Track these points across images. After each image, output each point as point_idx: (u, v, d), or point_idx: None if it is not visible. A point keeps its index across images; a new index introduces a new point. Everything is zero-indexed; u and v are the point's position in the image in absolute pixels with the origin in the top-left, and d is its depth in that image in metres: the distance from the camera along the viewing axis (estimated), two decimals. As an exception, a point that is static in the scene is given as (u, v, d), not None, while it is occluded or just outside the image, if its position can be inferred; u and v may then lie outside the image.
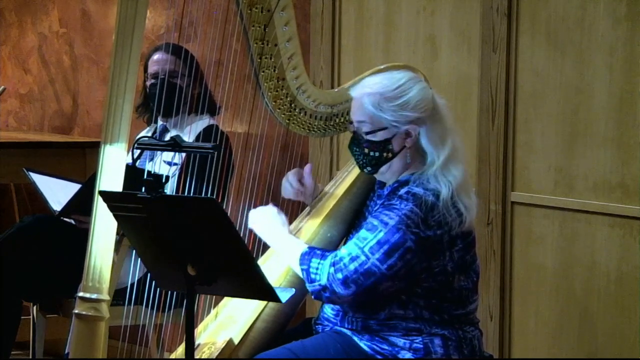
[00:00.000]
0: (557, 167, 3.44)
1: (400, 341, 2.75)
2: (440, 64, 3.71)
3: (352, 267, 2.67)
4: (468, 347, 2.79)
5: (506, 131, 3.53)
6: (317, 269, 2.71)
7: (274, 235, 2.88)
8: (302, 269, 2.75)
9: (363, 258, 2.67)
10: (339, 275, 2.67)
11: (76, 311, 2.99)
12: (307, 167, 3.12)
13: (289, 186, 3.10)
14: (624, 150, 3.28)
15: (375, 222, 2.71)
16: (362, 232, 2.72)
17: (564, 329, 3.46)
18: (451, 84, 3.67)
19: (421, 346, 2.74)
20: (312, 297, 2.75)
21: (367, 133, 2.78)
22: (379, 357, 2.75)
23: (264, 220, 2.90)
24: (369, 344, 2.77)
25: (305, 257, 2.76)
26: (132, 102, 3.02)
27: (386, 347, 2.75)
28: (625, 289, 3.31)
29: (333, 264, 2.69)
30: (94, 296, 2.98)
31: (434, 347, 2.74)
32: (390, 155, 2.78)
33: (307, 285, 2.75)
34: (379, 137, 2.78)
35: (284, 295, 2.68)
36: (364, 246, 2.68)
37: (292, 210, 3.15)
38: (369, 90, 2.77)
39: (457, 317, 2.79)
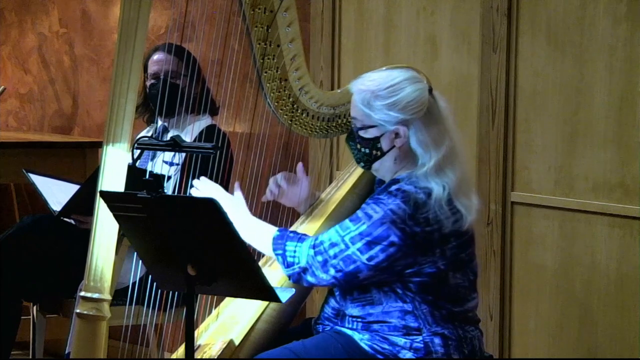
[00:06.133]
0: (557, 167, 3.44)
1: (401, 340, 2.75)
2: (440, 64, 3.71)
3: (331, 252, 2.68)
4: (468, 347, 2.79)
5: (506, 131, 3.53)
6: (294, 251, 2.72)
7: (239, 220, 2.81)
8: (277, 254, 2.74)
9: (342, 246, 2.68)
10: (319, 258, 2.69)
11: (78, 310, 2.99)
12: (299, 165, 3.11)
13: (274, 186, 3.07)
14: (624, 150, 3.28)
15: (360, 214, 2.71)
16: (345, 222, 2.72)
17: (564, 328, 3.46)
18: (451, 84, 3.67)
19: (422, 345, 2.74)
20: (291, 280, 2.75)
21: (359, 129, 2.79)
22: (379, 356, 2.75)
23: (225, 202, 2.81)
24: (369, 343, 2.76)
25: (279, 242, 2.75)
26: (135, 102, 3.03)
27: (387, 347, 2.75)
28: (625, 289, 3.31)
29: (313, 246, 2.71)
30: (95, 295, 2.98)
31: (434, 346, 2.74)
32: (379, 153, 2.79)
33: (284, 270, 2.74)
34: (369, 134, 2.78)
35: (284, 295, 2.67)
36: (344, 235, 2.69)
37: (291, 213, 3.15)
38: (362, 87, 2.78)
39: (456, 315, 2.78)
